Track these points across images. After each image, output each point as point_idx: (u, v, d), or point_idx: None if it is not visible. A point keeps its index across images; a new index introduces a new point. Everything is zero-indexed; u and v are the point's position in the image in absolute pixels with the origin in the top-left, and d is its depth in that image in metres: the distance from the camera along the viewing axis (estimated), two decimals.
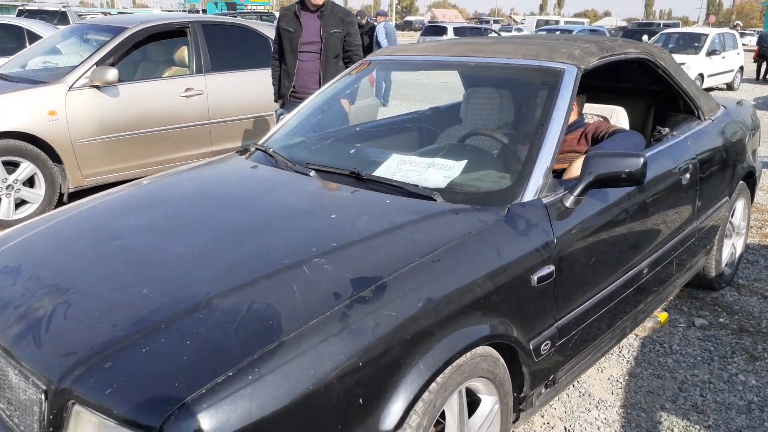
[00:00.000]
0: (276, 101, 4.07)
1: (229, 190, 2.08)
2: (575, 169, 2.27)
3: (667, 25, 27.43)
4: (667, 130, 2.74)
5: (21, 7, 16.66)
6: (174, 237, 1.73)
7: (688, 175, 2.60)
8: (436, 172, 2.07)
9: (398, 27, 59.39)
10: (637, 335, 2.91)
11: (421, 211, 1.80)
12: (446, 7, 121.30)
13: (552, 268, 1.80)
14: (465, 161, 2.10)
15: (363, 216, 1.77)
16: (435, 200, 1.88)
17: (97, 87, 4.47)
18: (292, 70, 3.84)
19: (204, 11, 44.74)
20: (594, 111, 2.95)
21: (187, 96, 4.95)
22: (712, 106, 3.12)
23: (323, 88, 2.95)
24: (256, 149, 2.54)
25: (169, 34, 5.12)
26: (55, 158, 4.36)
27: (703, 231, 2.87)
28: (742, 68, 14.18)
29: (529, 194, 1.89)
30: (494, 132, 2.40)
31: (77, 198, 4.81)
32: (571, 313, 1.95)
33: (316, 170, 2.18)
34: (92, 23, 5.16)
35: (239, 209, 1.89)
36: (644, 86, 3.29)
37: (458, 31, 20.24)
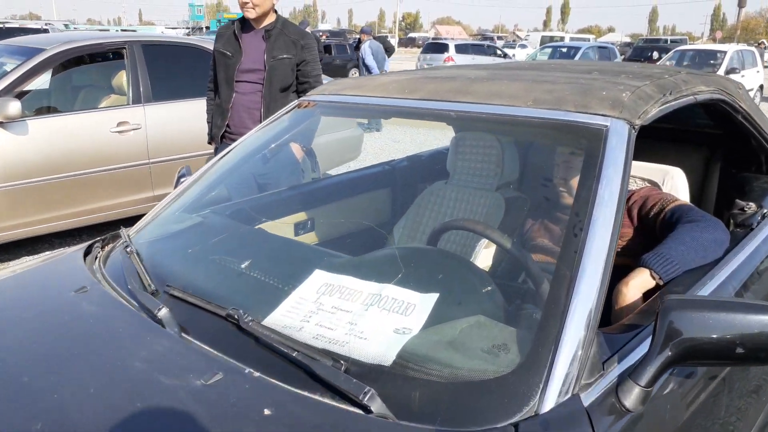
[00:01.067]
0: (209, 143, 3.14)
1: (5, 352, 1.14)
2: (631, 293, 1.34)
3: (674, 41, 26.63)
4: (752, 205, 1.80)
5: (0, 26, 15.97)
6: None
7: None
8: (382, 317, 1.14)
9: (401, 43, 58.87)
10: None
11: None
12: (450, 24, 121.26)
13: None
14: (436, 295, 1.17)
15: None
16: (368, 410, 0.94)
17: None
18: (226, 105, 2.91)
19: (207, 28, 44.50)
20: (638, 172, 2.02)
21: (119, 131, 4.05)
22: None
23: (254, 130, 2.03)
24: (124, 243, 1.62)
25: (103, 57, 4.26)
26: None
27: None
28: (762, 87, 13.25)
29: (554, 389, 0.95)
30: (487, 228, 1.44)
31: None
32: None
33: (176, 299, 1.25)
34: (6, 44, 4.28)
35: None
36: (695, 128, 2.38)
37: (460, 48, 19.32)
